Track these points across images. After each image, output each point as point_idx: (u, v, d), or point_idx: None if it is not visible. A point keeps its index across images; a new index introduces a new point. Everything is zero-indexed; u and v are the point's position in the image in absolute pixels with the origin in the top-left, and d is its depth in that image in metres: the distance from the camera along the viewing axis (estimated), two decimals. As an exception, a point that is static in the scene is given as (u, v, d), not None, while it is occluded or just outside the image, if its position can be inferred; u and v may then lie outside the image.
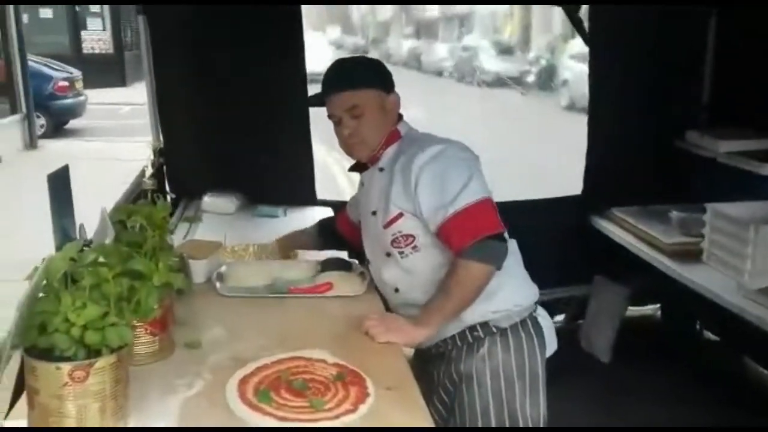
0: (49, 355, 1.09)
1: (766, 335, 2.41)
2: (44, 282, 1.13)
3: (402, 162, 1.75)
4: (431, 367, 1.87)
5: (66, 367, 1.08)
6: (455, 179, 1.67)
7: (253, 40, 3.09)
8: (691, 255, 2.85)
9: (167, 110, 3.26)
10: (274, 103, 3.18)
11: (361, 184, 1.95)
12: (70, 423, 1.11)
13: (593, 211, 3.47)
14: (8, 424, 1.05)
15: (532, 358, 1.78)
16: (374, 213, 1.81)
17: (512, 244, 1.82)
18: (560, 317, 3.77)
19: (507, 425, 1.73)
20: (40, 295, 1.12)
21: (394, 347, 1.60)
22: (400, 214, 1.73)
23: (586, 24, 3.43)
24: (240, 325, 1.69)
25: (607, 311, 3.56)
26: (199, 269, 1.91)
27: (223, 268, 2.00)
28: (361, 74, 1.79)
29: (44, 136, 10.89)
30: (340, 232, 2.16)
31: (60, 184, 1.74)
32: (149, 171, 3.10)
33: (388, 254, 1.79)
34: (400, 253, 1.76)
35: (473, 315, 1.74)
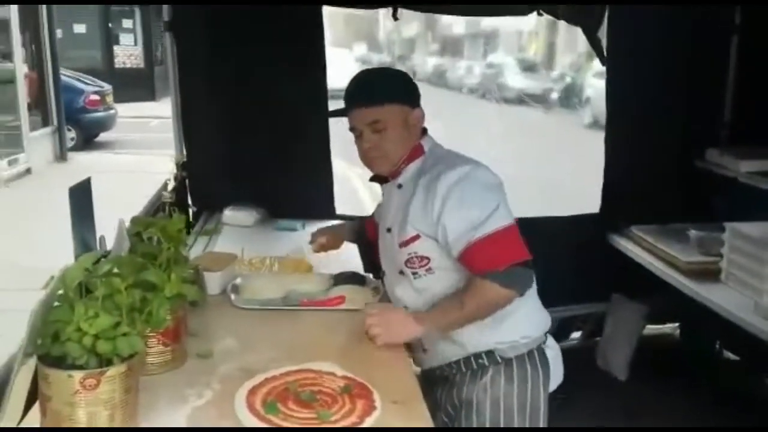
0: (61, 363, 1.13)
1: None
2: (60, 291, 1.17)
3: (425, 181, 1.70)
4: (435, 388, 1.86)
5: (78, 375, 1.12)
6: (483, 203, 1.64)
7: (276, 57, 3.14)
8: (709, 274, 2.83)
9: (190, 124, 3.33)
10: (295, 119, 3.23)
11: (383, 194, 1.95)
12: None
13: (611, 228, 3.45)
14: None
15: (534, 391, 1.75)
16: (389, 230, 1.79)
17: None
18: (577, 334, 3.76)
19: None
20: (56, 304, 1.16)
21: (402, 361, 1.61)
22: (417, 236, 1.70)
23: (604, 42, 3.44)
24: (252, 336, 1.72)
25: (624, 329, 3.53)
26: (213, 281, 1.95)
27: (239, 280, 2.04)
28: (385, 89, 1.75)
29: (74, 148, 11.11)
30: (367, 235, 2.17)
31: (82, 196, 1.80)
32: (171, 184, 3.17)
33: (402, 272, 1.77)
34: (414, 273, 1.74)
35: (478, 343, 1.72)
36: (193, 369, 1.52)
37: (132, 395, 1.19)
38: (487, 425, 1.71)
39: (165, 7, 3.27)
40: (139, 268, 1.25)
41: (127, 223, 1.55)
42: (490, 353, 1.73)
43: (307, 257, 2.35)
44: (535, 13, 3.34)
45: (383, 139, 1.73)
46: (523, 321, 1.75)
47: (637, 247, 3.30)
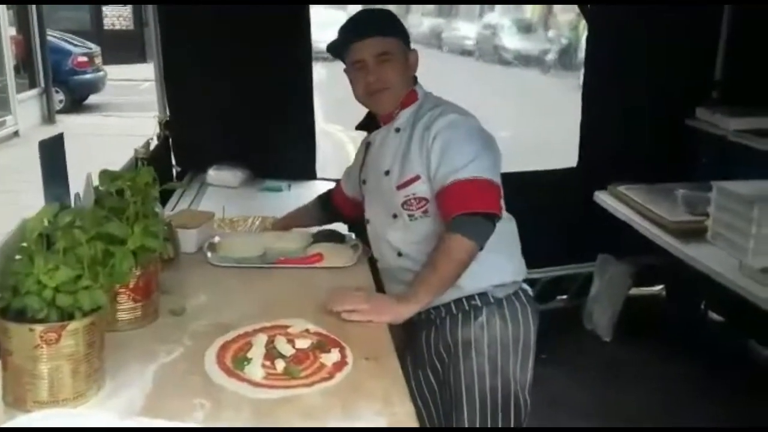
0: (22, 316, 1.11)
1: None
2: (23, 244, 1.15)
3: (422, 125, 1.74)
4: (418, 333, 1.88)
5: (38, 328, 1.10)
6: (468, 149, 1.68)
7: (261, 16, 3.08)
8: (696, 234, 2.81)
9: (174, 83, 3.29)
10: (280, 80, 3.19)
11: (366, 145, 1.93)
12: (43, 384, 1.12)
13: (596, 186, 3.41)
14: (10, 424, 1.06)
15: (526, 328, 1.81)
16: (387, 173, 1.79)
17: (511, 223, 1.84)
18: (563, 296, 3.76)
19: (499, 390, 1.75)
20: (17, 257, 1.14)
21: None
22: (417, 177, 1.72)
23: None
24: (226, 294, 1.70)
25: (610, 290, 3.53)
26: (189, 238, 1.92)
27: (216, 239, 2.02)
28: (390, 24, 1.79)
29: (63, 111, 11.01)
30: (336, 206, 2.16)
31: (53, 152, 1.75)
32: (154, 143, 3.13)
33: (395, 215, 1.78)
34: (410, 216, 1.75)
35: (472, 285, 1.75)
36: (165, 326, 1.50)
37: (96, 350, 1.17)
38: (486, 362, 1.75)
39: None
40: (101, 220, 1.21)
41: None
42: (483, 294, 1.77)
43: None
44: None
45: (389, 70, 1.75)
46: (512, 265, 1.83)
47: (624, 206, 3.27)
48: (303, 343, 1.41)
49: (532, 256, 1.90)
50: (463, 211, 1.63)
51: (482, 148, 1.71)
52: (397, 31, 1.79)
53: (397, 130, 1.81)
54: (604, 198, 3.36)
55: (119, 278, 1.20)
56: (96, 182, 1.48)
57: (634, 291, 3.68)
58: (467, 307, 1.78)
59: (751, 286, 2.41)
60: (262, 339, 1.40)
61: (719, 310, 3.71)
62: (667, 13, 3.28)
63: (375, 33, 1.75)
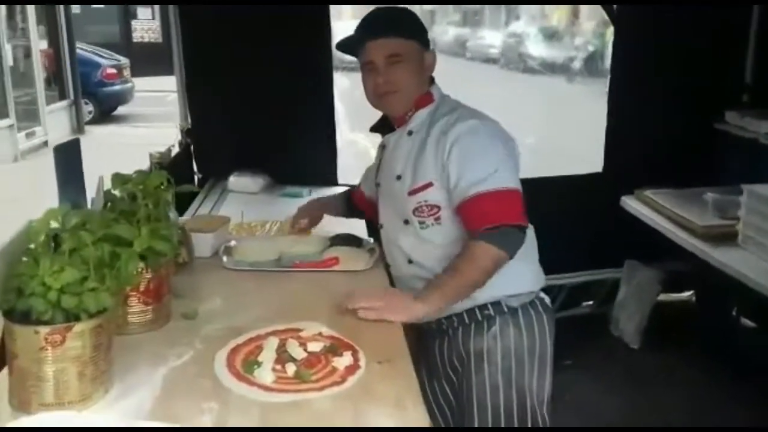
0: (27, 318, 1.10)
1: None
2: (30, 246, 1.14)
3: (438, 129, 1.68)
4: (434, 342, 1.83)
5: (43, 330, 1.08)
6: (490, 159, 1.61)
7: (282, 23, 3.10)
8: (726, 238, 2.73)
9: (196, 91, 3.31)
10: (300, 85, 3.20)
11: (381, 147, 1.87)
12: (48, 387, 1.11)
13: (622, 191, 3.35)
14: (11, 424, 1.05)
15: (542, 338, 1.73)
16: (399, 177, 1.74)
17: (530, 230, 1.75)
18: (589, 302, 3.69)
19: (514, 402, 1.68)
20: (24, 259, 1.13)
21: (391, 325, 1.55)
22: (430, 184, 1.67)
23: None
24: (240, 298, 1.68)
25: (638, 296, 3.45)
26: (204, 243, 1.90)
27: (233, 243, 2.00)
28: (406, 23, 1.72)
29: (92, 122, 11.19)
30: (356, 204, 2.14)
31: (68, 156, 1.76)
32: (175, 150, 3.15)
33: (407, 222, 1.73)
34: (421, 223, 1.70)
35: (486, 294, 1.68)
36: (177, 329, 1.48)
37: (102, 352, 1.16)
38: (499, 374, 1.69)
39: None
40: (109, 222, 1.20)
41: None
42: (496, 303, 1.71)
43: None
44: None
45: (400, 72, 1.69)
46: (528, 274, 1.76)
47: (651, 211, 3.19)
48: (315, 347, 1.38)
49: (558, 261, 1.87)
50: (489, 225, 1.56)
51: (504, 155, 1.64)
52: (413, 30, 1.72)
53: (410, 133, 1.75)
54: (631, 203, 3.29)
55: (126, 280, 1.18)
56: (108, 186, 1.47)
57: (663, 297, 3.59)
58: (480, 317, 1.72)
59: (785, 292, 2.34)
60: (273, 342, 1.37)
61: (751, 316, 3.60)
62: (695, 17, 3.21)
63: (387, 33, 1.68)
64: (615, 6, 3.30)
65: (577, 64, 16.53)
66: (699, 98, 3.34)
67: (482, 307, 1.71)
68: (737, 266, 2.56)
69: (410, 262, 1.76)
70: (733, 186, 2.80)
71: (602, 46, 16.12)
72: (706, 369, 3.18)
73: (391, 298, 1.61)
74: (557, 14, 22.79)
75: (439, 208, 1.67)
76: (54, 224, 1.17)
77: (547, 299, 1.82)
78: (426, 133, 1.70)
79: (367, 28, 1.73)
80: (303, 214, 2.15)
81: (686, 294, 3.91)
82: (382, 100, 1.74)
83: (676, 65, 3.29)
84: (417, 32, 1.73)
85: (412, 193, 1.69)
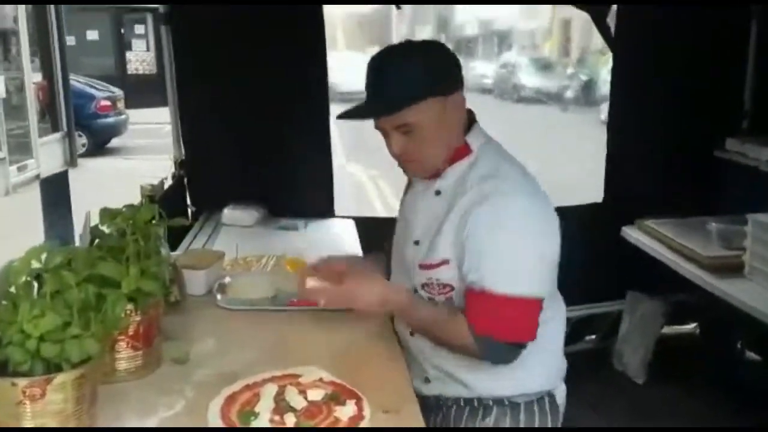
0: (4, 370, 1.02)
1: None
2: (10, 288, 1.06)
3: (467, 201, 1.41)
4: (429, 414, 1.58)
5: (21, 382, 1.00)
6: (514, 256, 1.37)
7: (277, 54, 3.07)
8: (731, 269, 2.67)
9: (189, 122, 3.28)
10: (296, 118, 3.17)
11: (408, 187, 1.63)
12: (27, 443, 1.03)
13: (623, 221, 3.29)
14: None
15: None
16: (417, 243, 1.51)
17: (555, 319, 1.52)
18: (591, 336, 3.61)
19: None
20: (3, 303, 1.05)
21: (398, 367, 1.47)
22: (445, 261, 1.43)
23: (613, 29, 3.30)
24: (234, 339, 1.60)
25: (641, 329, 3.38)
26: (197, 280, 1.82)
27: (227, 279, 1.92)
28: (406, 87, 1.37)
29: (86, 154, 11.12)
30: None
31: (56, 189, 1.69)
32: (168, 183, 3.09)
33: (415, 290, 1.52)
34: (430, 298, 1.49)
35: (490, 391, 1.50)
36: (167, 375, 1.39)
37: (87, 405, 1.07)
38: None
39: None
40: (94, 261, 1.13)
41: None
42: (498, 398, 1.52)
43: (304, 256, 2.24)
44: (545, -3, 3.21)
45: (415, 142, 1.42)
46: (542, 370, 1.52)
47: (654, 241, 3.14)
48: (316, 395, 1.29)
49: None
50: (487, 334, 1.36)
51: (533, 255, 1.38)
52: (420, 90, 1.38)
53: (438, 192, 1.49)
54: (632, 233, 3.23)
55: (112, 325, 1.10)
56: (95, 221, 1.39)
57: (666, 330, 3.52)
58: (476, 404, 1.53)
59: (796, 325, 2.27)
60: (271, 390, 1.29)
61: (757, 349, 3.53)
62: (693, 43, 3.19)
63: (390, 110, 1.39)
64: (613, 32, 3.27)
65: (570, 93, 16.68)
66: (699, 126, 3.31)
67: (482, 398, 1.53)
68: (744, 298, 2.50)
69: (412, 334, 1.55)
70: (737, 215, 2.76)
71: (595, 75, 16.32)
72: (711, 403, 3.11)
73: (357, 287, 1.45)
74: (548, 44, 23.06)
75: (451, 287, 1.45)
76: (36, 264, 1.10)
77: (561, 394, 1.58)
78: (454, 199, 1.44)
79: (368, 105, 1.44)
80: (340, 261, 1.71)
81: (690, 326, 3.84)
82: (403, 167, 1.52)
83: (675, 92, 3.26)
84: (429, 88, 1.40)
85: (424, 267, 1.47)
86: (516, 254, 1.37)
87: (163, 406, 1.26)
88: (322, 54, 3.18)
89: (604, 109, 12.99)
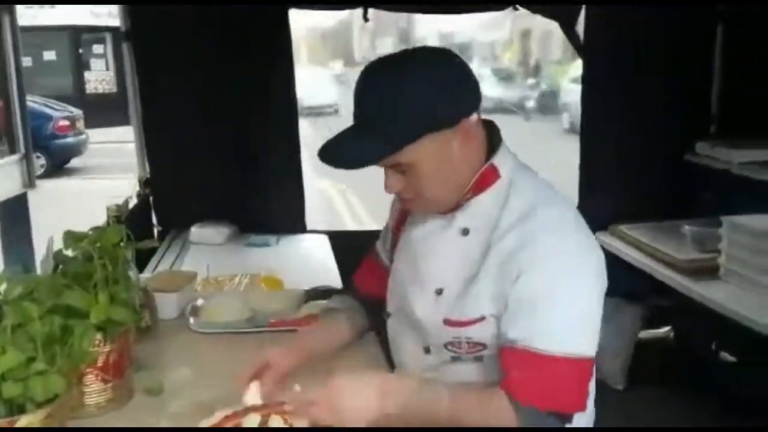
0: (-38, 412, 0.93)
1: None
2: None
3: (511, 242, 1.17)
4: None
5: (-20, 426, 0.92)
6: (566, 310, 1.14)
7: (243, 70, 3.04)
8: (706, 271, 2.68)
9: (154, 140, 3.22)
10: (263, 131, 3.14)
11: (406, 218, 1.36)
12: (-12, 493, 0.94)
13: (596, 227, 3.29)
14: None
15: None
16: (439, 293, 1.25)
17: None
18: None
19: None
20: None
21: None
22: (482, 318, 1.20)
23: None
24: (211, 366, 1.51)
25: (619, 334, 3.36)
26: (168, 304, 1.74)
27: (200, 302, 1.84)
28: (401, 122, 1.13)
29: (45, 175, 10.91)
30: (365, 296, 1.51)
31: (15, 213, 1.60)
32: (133, 202, 3.00)
33: (428, 350, 1.28)
34: (454, 357, 1.25)
35: None
36: (140, 408, 1.31)
37: (54, 446, 0.99)
38: None
39: (122, 16, 3.13)
40: (59, 289, 1.04)
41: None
42: None
43: (279, 273, 2.17)
44: (510, 8, 3.20)
45: (414, 180, 1.19)
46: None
47: (628, 246, 3.14)
48: (302, 422, 1.22)
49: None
50: (530, 405, 1.11)
51: (586, 302, 1.17)
52: (413, 130, 1.13)
53: (465, 231, 1.23)
54: (605, 239, 3.22)
55: (80, 358, 1.02)
56: (59, 245, 1.31)
57: (641, 334, 3.51)
58: None
59: (777, 325, 2.27)
60: (254, 420, 1.21)
61: (730, 349, 3.54)
62: (661, 49, 3.22)
63: (361, 163, 1.16)
64: (582, 42, 3.28)
65: (531, 103, 16.92)
66: (669, 130, 3.33)
67: None
68: (720, 300, 2.50)
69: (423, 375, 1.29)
70: (710, 218, 2.77)
71: (555, 85, 16.60)
72: (690, 406, 3.11)
73: (344, 396, 1.12)
74: (509, 54, 23.36)
75: (484, 346, 1.22)
76: (-5, 295, 1.01)
77: None
78: (488, 239, 1.20)
79: (347, 143, 1.18)
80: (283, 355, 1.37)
81: (664, 330, 3.85)
82: (405, 205, 1.31)
83: (644, 97, 3.28)
84: (428, 124, 1.14)
85: (453, 324, 1.23)
86: (570, 305, 1.14)
87: (138, 442, 1.18)
88: (289, 68, 3.16)
89: (566, 117, 13.28)
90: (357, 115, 1.18)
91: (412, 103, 1.12)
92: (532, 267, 1.14)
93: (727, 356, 3.57)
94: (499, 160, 1.24)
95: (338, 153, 1.18)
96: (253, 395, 1.23)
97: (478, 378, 1.24)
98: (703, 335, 3.55)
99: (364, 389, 1.13)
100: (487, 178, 1.22)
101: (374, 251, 1.52)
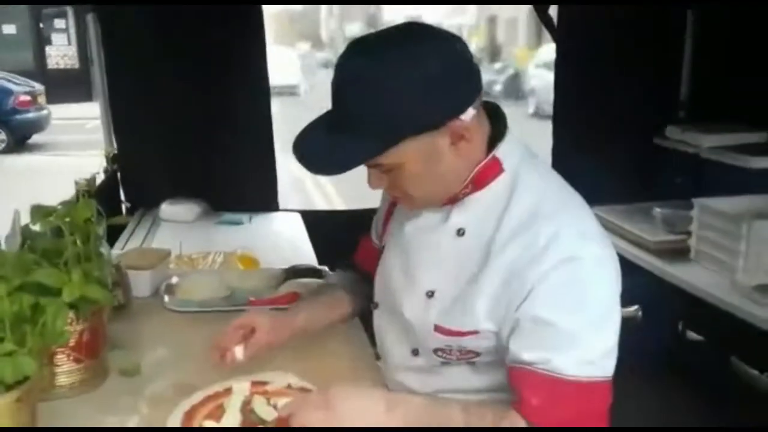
0: (-71, 394, 0.88)
1: (757, 334, 2.28)
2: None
3: (515, 252, 1.06)
4: None
5: (-52, 409, 0.87)
6: (585, 325, 1.03)
7: (216, 46, 2.95)
8: (677, 253, 2.71)
9: (122, 115, 3.13)
10: (234, 107, 3.06)
11: (395, 208, 1.29)
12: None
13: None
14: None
15: None
16: (430, 295, 1.16)
17: None
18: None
19: None
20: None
21: (371, 370, 1.37)
22: (475, 332, 1.11)
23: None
24: (189, 345, 1.47)
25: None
26: (142, 281, 1.69)
27: (174, 279, 1.79)
28: (380, 122, 1.01)
29: (5, 151, 10.76)
30: (366, 272, 1.39)
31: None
32: (100, 178, 2.92)
33: (416, 352, 1.21)
34: (444, 362, 1.17)
35: None
36: (116, 389, 1.26)
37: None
38: None
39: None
40: (29, 267, 0.99)
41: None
42: None
43: (254, 252, 2.13)
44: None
45: (399, 180, 1.08)
46: None
47: (600, 228, 3.16)
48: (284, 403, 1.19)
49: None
50: (543, 422, 1.03)
51: (609, 319, 1.08)
52: (396, 129, 1.01)
53: (461, 232, 1.13)
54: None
55: (53, 338, 0.98)
56: (25, 220, 1.25)
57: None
58: None
59: (747, 305, 2.30)
60: (237, 400, 1.18)
61: (698, 329, 3.62)
62: (632, 33, 3.23)
63: (338, 169, 1.04)
64: (556, 26, 3.27)
65: (498, 87, 17.02)
66: (640, 115, 3.35)
67: None
68: (691, 281, 2.53)
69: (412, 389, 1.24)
70: (680, 200, 2.79)
71: (521, 70, 16.71)
72: (654, 385, 3.14)
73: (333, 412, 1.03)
74: (475, 39, 23.40)
75: (476, 354, 1.14)
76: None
77: None
78: (489, 244, 1.09)
79: (322, 146, 1.06)
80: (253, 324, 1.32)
81: (632, 309, 3.90)
82: (396, 201, 1.22)
83: (615, 84, 3.28)
84: (411, 125, 1.01)
85: (444, 332, 1.14)
86: (591, 326, 1.05)
87: (115, 424, 1.14)
88: (262, 47, 3.09)
89: (532, 102, 13.36)
90: (334, 107, 1.06)
91: (395, 104, 0.99)
92: (545, 283, 1.03)
93: (693, 335, 3.65)
94: (503, 151, 1.11)
95: (313, 155, 1.06)
96: (239, 350, 1.22)
97: (468, 380, 1.18)
98: (670, 314, 3.62)
99: (370, 399, 1.06)
100: (489, 172, 1.10)
101: (370, 232, 1.44)
